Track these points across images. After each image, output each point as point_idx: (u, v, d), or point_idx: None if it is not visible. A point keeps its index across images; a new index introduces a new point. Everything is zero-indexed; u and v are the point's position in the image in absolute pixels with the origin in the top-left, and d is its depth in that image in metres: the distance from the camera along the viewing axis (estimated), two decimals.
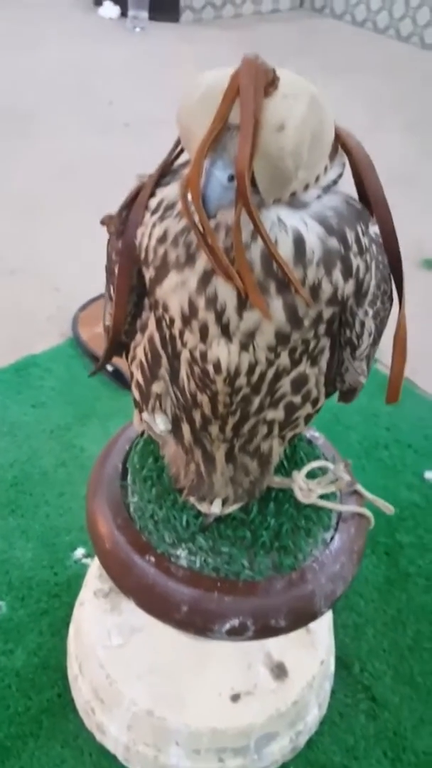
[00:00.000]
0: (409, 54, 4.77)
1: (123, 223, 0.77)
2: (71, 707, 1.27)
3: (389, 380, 0.83)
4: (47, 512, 1.58)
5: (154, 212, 0.73)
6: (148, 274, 0.74)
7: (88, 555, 1.49)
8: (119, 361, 1.96)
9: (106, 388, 1.92)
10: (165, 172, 0.77)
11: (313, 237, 0.67)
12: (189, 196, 0.62)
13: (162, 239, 0.71)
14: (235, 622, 0.89)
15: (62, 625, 1.37)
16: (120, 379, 1.91)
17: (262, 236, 0.63)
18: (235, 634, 0.90)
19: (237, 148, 0.58)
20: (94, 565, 1.32)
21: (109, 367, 1.94)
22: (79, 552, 1.50)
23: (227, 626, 0.89)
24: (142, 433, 1.07)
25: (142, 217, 0.74)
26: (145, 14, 4.50)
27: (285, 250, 0.66)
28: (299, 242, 0.67)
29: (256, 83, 0.59)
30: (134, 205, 0.76)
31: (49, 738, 1.23)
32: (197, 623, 0.90)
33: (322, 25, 5.23)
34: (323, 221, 0.68)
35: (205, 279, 0.69)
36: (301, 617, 0.93)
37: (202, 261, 0.68)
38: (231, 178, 0.61)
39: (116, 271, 0.79)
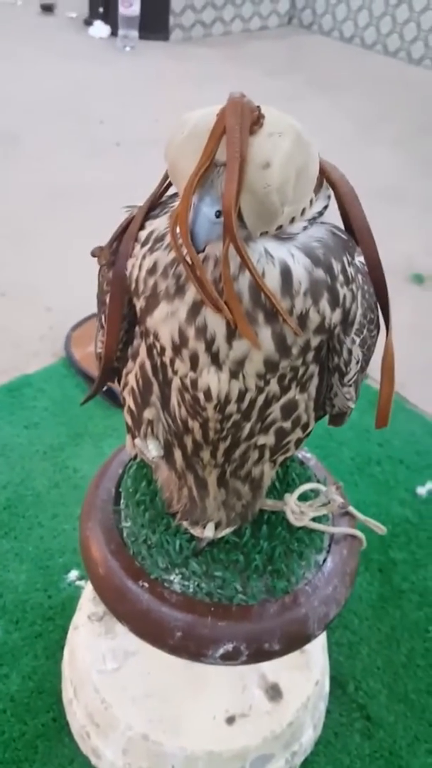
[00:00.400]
0: (396, 69, 4.83)
1: (113, 254, 0.78)
2: (66, 731, 1.27)
3: (378, 405, 0.85)
4: (41, 534, 1.59)
5: (143, 244, 0.74)
6: (139, 304, 0.76)
7: (82, 577, 1.49)
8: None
9: (99, 408, 1.92)
10: (154, 205, 0.78)
11: (300, 268, 0.69)
12: (178, 231, 0.64)
13: (152, 270, 0.73)
14: (229, 647, 0.90)
15: (57, 648, 1.37)
16: (113, 398, 1.92)
17: (249, 269, 0.64)
18: (229, 658, 0.91)
19: (224, 185, 0.60)
20: (88, 589, 1.32)
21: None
22: (73, 574, 1.50)
23: (221, 651, 0.90)
24: (135, 457, 1.07)
25: (132, 249, 0.75)
26: (135, 33, 4.54)
27: (272, 281, 0.68)
28: (286, 273, 0.68)
29: (242, 122, 0.60)
30: (124, 237, 0.77)
31: (45, 763, 1.23)
32: (191, 649, 0.91)
33: (310, 41, 5.29)
34: (310, 253, 0.70)
35: (195, 309, 0.70)
36: (294, 641, 0.93)
37: (192, 292, 0.69)
38: (218, 214, 0.62)
39: (107, 300, 0.80)
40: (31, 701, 1.30)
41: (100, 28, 4.73)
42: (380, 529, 1.07)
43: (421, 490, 1.75)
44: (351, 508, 1.06)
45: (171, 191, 0.78)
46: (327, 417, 0.93)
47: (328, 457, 1.77)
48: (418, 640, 1.44)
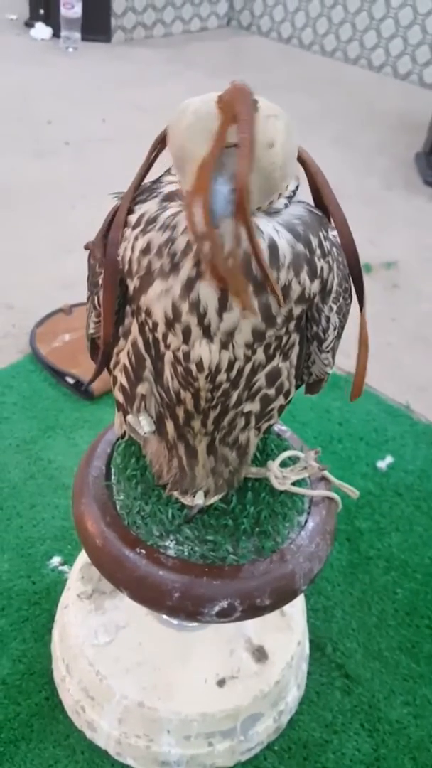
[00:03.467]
0: (333, 69, 4.98)
1: (105, 246, 0.83)
2: (60, 709, 1.30)
3: (355, 378, 0.93)
4: (20, 524, 1.61)
5: (134, 227, 0.79)
6: (132, 284, 0.81)
7: (64, 563, 1.53)
8: (79, 373, 2.01)
9: (68, 400, 1.96)
10: (138, 191, 0.83)
11: (284, 243, 0.75)
12: (195, 210, 0.68)
13: (146, 250, 0.77)
14: (224, 603, 0.96)
15: (45, 631, 1.41)
16: (81, 390, 1.96)
17: (253, 243, 0.69)
18: (224, 615, 0.96)
19: (237, 165, 0.66)
20: (76, 569, 1.36)
21: (70, 380, 1.98)
22: (56, 560, 1.54)
23: (216, 608, 0.96)
24: (123, 435, 1.12)
25: (121, 236, 0.80)
26: (77, 35, 4.55)
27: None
28: (273, 248, 0.75)
29: (249, 106, 0.67)
30: (112, 224, 0.82)
31: (41, 740, 1.27)
32: (188, 608, 0.96)
33: (249, 42, 5.39)
34: (291, 228, 0.76)
35: (189, 285, 0.75)
36: (283, 595, 1.00)
37: (186, 269, 0.75)
38: (231, 192, 0.68)
39: (101, 283, 0.85)
40: (23, 683, 1.33)
41: (41, 30, 4.72)
42: (353, 492, 1.15)
43: (381, 464, 1.85)
44: (327, 473, 1.14)
45: (149, 177, 0.83)
46: (304, 387, 1.01)
47: None
48: (387, 602, 1.53)
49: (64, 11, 4.41)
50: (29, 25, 4.80)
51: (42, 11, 4.74)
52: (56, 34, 4.64)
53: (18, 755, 1.24)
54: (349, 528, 1.67)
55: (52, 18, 4.68)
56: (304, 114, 4.00)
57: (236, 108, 0.66)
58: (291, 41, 5.35)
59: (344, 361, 2.16)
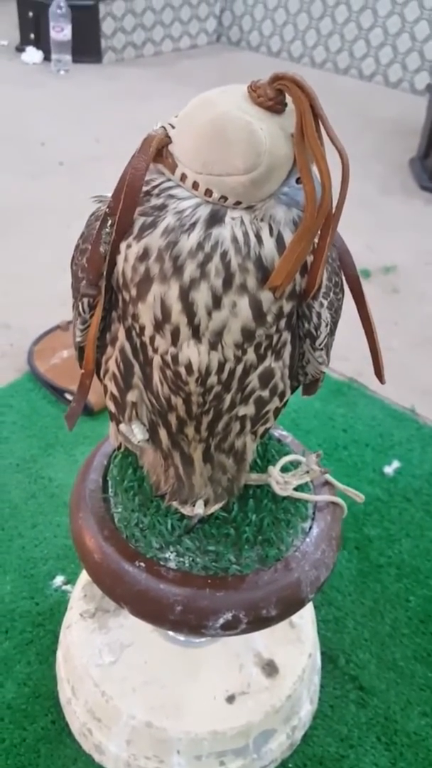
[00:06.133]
0: (324, 79, 4.99)
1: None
2: (67, 732, 1.27)
3: (373, 360, 0.92)
4: (22, 544, 1.58)
5: (126, 237, 0.76)
6: (127, 294, 0.78)
7: (68, 582, 1.50)
8: None
9: None
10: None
11: (288, 233, 0.73)
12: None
13: (143, 257, 0.74)
14: (229, 615, 0.93)
15: (49, 652, 1.37)
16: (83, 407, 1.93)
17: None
18: (229, 628, 0.93)
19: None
20: (78, 588, 1.33)
21: (69, 396, 1.96)
22: (59, 580, 1.51)
23: (221, 621, 0.93)
24: (119, 447, 1.10)
25: (130, 224, 0.75)
26: (68, 57, 4.58)
27: (268, 243, 0.73)
28: (281, 240, 0.73)
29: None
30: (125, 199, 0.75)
31: (48, 766, 1.23)
32: (192, 622, 0.93)
33: (240, 57, 5.42)
34: (289, 221, 0.74)
35: (192, 285, 0.73)
36: (290, 605, 0.97)
37: (190, 270, 0.72)
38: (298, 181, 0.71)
39: (83, 290, 0.83)
40: (29, 707, 1.30)
41: (32, 54, 4.76)
42: (358, 496, 1.12)
43: (388, 470, 1.81)
44: (330, 478, 1.10)
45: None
46: (301, 389, 0.98)
47: None
48: (400, 610, 1.49)
49: (54, 34, 4.45)
50: (20, 49, 4.85)
51: (32, 35, 4.78)
52: (47, 58, 4.68)
53: None
54: (358, 536, 1.63)
55: (42, 41, 4.71)
56: None
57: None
58: (281, 55, 5.38)
59: (344, 365, 2.15)
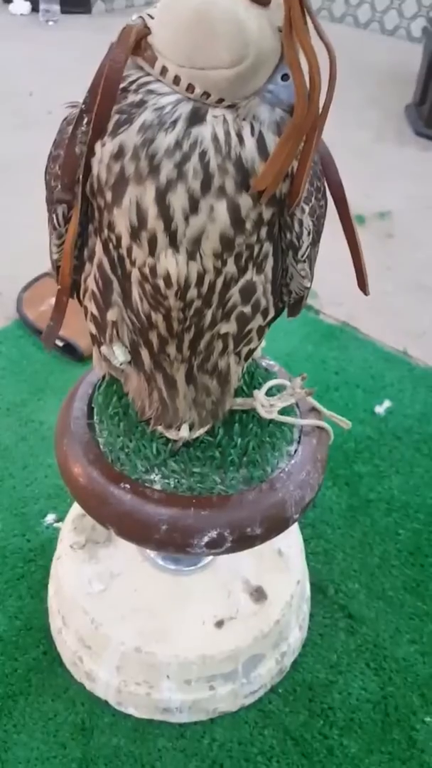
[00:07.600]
0: None
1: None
2: (58, 662, 1.28)
3: (356, 271, 0.90)
4: (13, 484, 1.59)
5: (101, 135, 0.73)
6: (104, 200, 0.75)
7: (59, 519, 1.50)
8: (70, 335, 1.97)
9: (58, 363, 1.92)
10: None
11: (271, 135, 0.71)
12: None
13: (118, 155, 0.71)
14: (213, 534, 0.93)
15: (40, 587, 1.38)
16: (71, 352, 1.92)
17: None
18: (214, 546, 0.94)
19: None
20: (68, 521, 1.33)
21: (60, 342, 1.94)
22: (50, 517, 1.51)
23: (206, 539, 0.93)
24: (104, 377, 1.09)
25: (108, 122, 0.72)
26: (56, 7, 4.47)
27: (249, 143, 0.70)
28: (261, 141, 0.70)
29: None
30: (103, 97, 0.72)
31: (40, 694, 1.24)
32: (177, 540, 0.93)
33: None
34: (273, 122, 0.72)
35: (169, 187, 0.70)
36: (275, 524, 0.97)
37: (166, 170, 0.70)
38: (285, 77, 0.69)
39: (57, 198, 0.81)
40: (20, 639, 1.31)
41: (20, 5, 4.63)
42: (345, 423, 1.11)
43: (379, 409, 1.81)
44: (317, 404, 1.10)
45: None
46: (286, 312, 0.97)
47: None
48: (390, 543, 1.50)
49: None
50: (7, 0, 4.71)
51: None
52: (35, 8, 4.56)
53: (16, 710, 1.22)
54: (348, 472, 1.64)
55: None
56: None
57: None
58: None
59: (337, 309, 2.13)
